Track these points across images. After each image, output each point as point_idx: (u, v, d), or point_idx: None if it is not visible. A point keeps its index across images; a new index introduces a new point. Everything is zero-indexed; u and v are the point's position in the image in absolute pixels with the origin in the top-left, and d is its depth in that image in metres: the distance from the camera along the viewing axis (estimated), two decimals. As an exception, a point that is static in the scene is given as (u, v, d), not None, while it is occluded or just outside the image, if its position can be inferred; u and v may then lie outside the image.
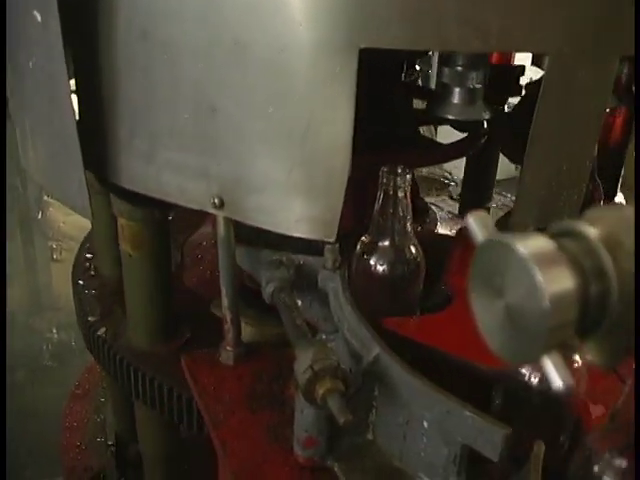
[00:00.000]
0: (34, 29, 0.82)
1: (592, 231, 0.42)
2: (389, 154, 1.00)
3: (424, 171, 3.53)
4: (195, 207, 0.81)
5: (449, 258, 0.96)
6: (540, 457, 0.62)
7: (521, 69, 1.40)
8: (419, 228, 1.25)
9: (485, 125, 1.26)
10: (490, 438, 0.61)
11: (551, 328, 0.40)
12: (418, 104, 1.39)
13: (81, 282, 1.29)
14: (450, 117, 1.09)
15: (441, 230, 1.52)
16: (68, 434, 1.49)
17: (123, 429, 1.40)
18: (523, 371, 0.70)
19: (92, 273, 1.32)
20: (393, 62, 1.20)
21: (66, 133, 0.83)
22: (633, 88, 1.27)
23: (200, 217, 1.28)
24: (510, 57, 1.52)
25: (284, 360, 0.84)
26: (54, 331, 2.39)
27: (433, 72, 2.27)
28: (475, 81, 1.06)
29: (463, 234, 0.94)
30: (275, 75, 0.70)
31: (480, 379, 0.73)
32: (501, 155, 1.53)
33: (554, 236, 0.43)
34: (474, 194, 1.69)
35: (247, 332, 0.96)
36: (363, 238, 0.88)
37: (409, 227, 0.86)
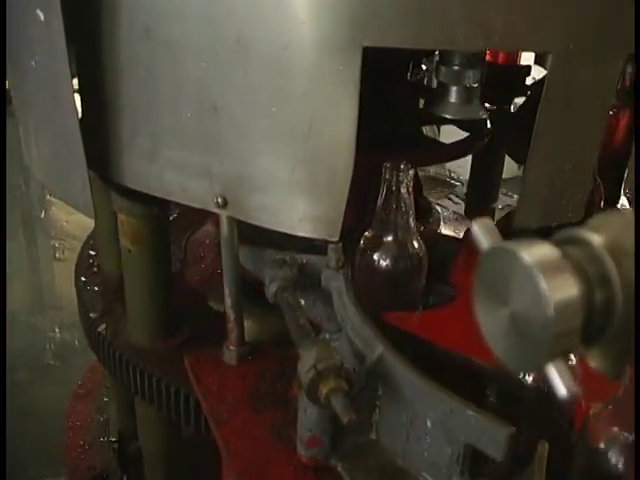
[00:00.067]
0: (37, 28, 0.81)
1: (596, 238, 0.42)
2: (392, 153, 1.00)
3: (431, 171, 3.52)
4: (198, 206, 0.81)
5: (455, 256, 0.96)
6: (544, 457, 0.62)
7: (527, 69, 1.40)
8: (422, 228, 1.25)
9: (489, 125, 1.26)
10: (493, 437, 0.61)
11: (556, 335, 0.40)
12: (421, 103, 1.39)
13: (83, 279, 1.30)
14: (447, 116, 1.09)
15: (446, 230, 1.52)
16: (71, 434, 1.49)
17: (126, 427, 1.40)
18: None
19: (95, 270, 1.32)
20: (398, 61, 1.20)
21: (69, 132, 0.83)
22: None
23: (204, 215, 1.28)
24: (516, 57, 1.52)
25: (288, 359, 0.84)
26: (56, 330, 2.39)
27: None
28: (472, 80, 1.07)
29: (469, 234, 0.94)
30: (278, 73, 0.70)
31: (481, 375, 0.73)
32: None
33: (558, 243, 0.43)
34: (479, 194, 1.68)
35: (246, 326, 0.95)
36: (366, 233, 0.89)
37: (412, 222, 0.87)
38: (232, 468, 0.76)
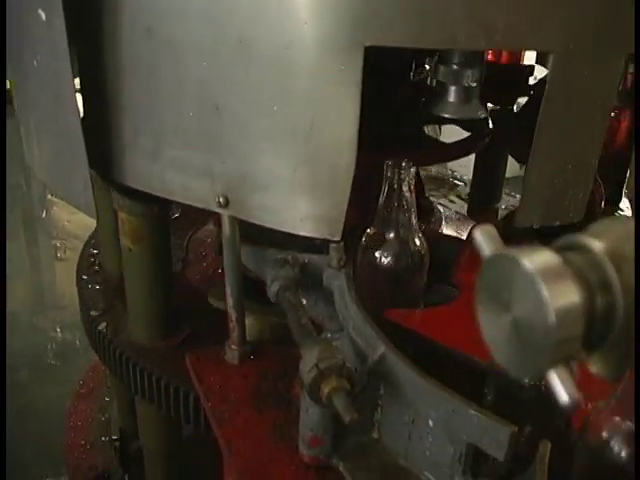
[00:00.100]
0: (38, 27, 0.81)
1: (597, 244, 0.42)
2: (393, 153, 1.00)
3: (433, 171, 3.52)
4: (200, 206, 0.81)
5: (457, 257, 0.96)
6: (546, 457, 0.62)
7: (530, 69, 1.40)
8: (423, 228, 1.25)
9: (490, 124, 1.26)
10: (495, 437, 0.61)
11: (558, 342, 0.40)
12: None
13: (85, 277, 1.30)
14: (445, 115, 1.09)
15: (448, 230, 1.51)
16: (72, 433, 1.49)
17: (128, 426, 1.40)
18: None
19: (96, 268, 1.33)
20: (401, 61, 1.20)
21: (70, 131, 0.83)
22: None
23: (206, 214, 1.28)
24: (519, 57, 1.52)
25: (289, 359, 0.84)
26: (58, 330, 2.39)
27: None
28: (470, 79, 1.07)
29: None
30: (280, 73, 0.70)
31: (482, 374, 0.73)
32: (507, 154, 1.53)
33: (559, 250, 0.43)
34: (482, 194, 1.68)
35: (247, 324, 0.95)
36: (368, 230, 0.90)
37: (414, 220, 0.88)
38: (234, 467, 0.76)
